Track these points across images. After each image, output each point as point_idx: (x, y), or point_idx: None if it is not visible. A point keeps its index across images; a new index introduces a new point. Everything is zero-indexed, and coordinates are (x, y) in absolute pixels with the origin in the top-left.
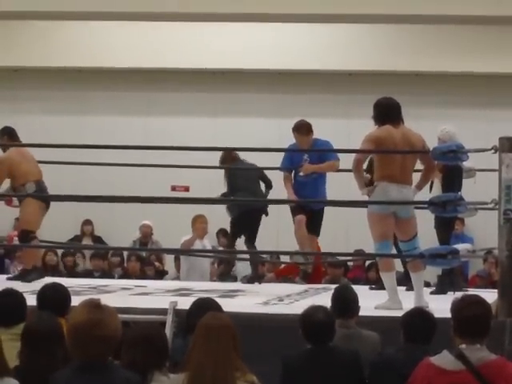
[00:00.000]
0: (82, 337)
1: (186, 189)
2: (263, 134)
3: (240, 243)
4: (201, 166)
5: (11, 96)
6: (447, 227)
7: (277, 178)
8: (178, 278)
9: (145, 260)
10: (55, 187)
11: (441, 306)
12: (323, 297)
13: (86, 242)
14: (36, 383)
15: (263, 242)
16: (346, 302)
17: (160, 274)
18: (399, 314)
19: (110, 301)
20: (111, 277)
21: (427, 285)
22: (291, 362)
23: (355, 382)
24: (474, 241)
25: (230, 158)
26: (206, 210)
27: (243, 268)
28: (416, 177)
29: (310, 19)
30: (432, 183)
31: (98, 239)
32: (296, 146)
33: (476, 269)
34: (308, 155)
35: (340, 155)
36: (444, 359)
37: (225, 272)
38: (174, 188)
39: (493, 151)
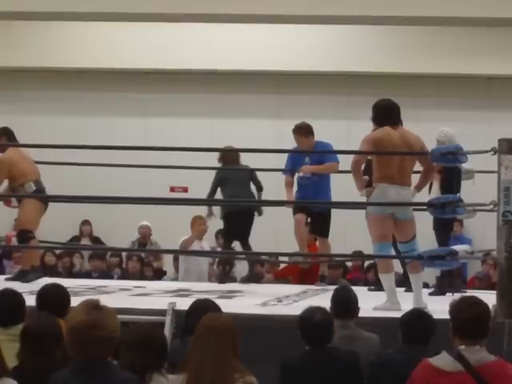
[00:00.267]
0: (81, 337)
1: (185, 190)
2: (262, 135)
3: (238, 244)
4: (200, 167)
5: (10, 96)
6: (446, 229)
7: (275, 179)
8: (176, 278)
9: (144, 261)
10: (54, 188)
11: (439, 307)
12: (322, 298)
13: (85, 242)
14: (37, 382)
15: (262, 243)
16: (345, 303)
17: (159, 275)
18: (398, 315)
19: (108, 301)
20: (110, 277)
21: (426, 286)
22: (289, 364)
23: (353, 382)
24: (472, 242)
25: (229, 157)
26: (205, 210)
27: (242, 269)
28: (415, 178)
29: (309, 20)
30: (431, 185)
31: (96, 240)
32: (297, 149)
33: (474, 270)
34: (309, 158)
35: (339, 156)
36: (443, 360)
37: (223, 273)
38: (172, 189)
39: (492, 153)
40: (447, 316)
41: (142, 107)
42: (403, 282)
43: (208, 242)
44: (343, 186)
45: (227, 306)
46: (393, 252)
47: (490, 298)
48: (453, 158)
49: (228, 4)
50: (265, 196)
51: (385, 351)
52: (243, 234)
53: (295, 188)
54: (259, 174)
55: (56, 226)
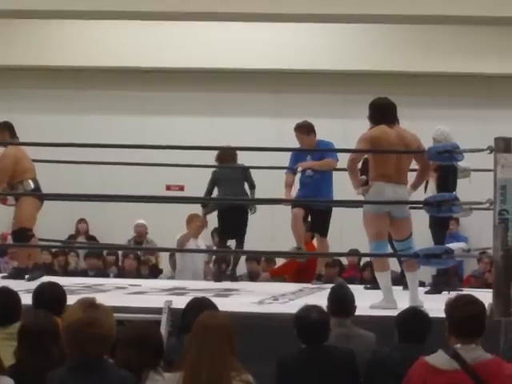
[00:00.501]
0: (77, 335)
1: (181, 188)
2: (260, 133)
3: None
4: (196, 165)
5: (7, 94)
6: (442, 227)
7: (273, 177)
8: (173, 276)
9: (140, 259)
10: (50, 186)
11: (436, 306)
12: (318, 296)
13: (81, 241)
14: (32, 382)
15: (258, 241)
16: (342, 302)
17: (155, 273)
18: (394, 313)
19: (104, 300)
20: (106, 276)
21: (422, 284)
22: (286, 362)
23: (350, 381)
24: (468, 240)
25: (226, 157)
26: (201, 209)
27: (239, 267)
28: (411, 176)
29: (307, 19)
30: (427, 183)
31: (92, 239)
32: (295, 147)
33: (471, 269)
34: (311, 156)
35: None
36: (439, 359)
37: (219, 272)
38: (168, 187)
39: (488, 151)
40: (443, 314)
41: (139, 105)
42: (400, 280)
43: (204, 241)
44: (340, 184)
45: (223, 305)
46: (389, 250)
47: (486, 296)
48: (449, 157)
49: (227, 2)
50: (262, 194)
51: (381, 349)
52: (238, 231)
53: (297, 186)
54: (258, 172)
55: (52, 224)
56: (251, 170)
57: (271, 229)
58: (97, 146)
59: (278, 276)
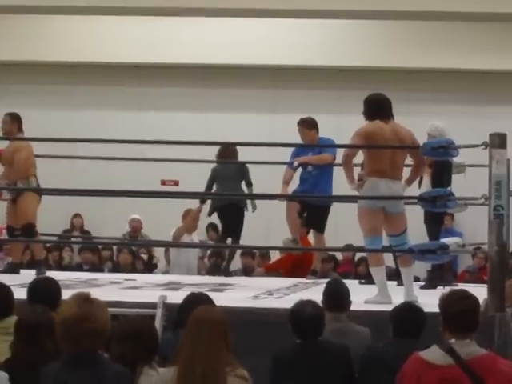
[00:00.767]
0: (72, 330)
1: (176, 183)
2: (255, 128)
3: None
4: (191, 160)
5: (2, 90)
6: (437, 222)
7: (267, 173)
8: (167, 271)
9: (135, 253)
10: (45, 181)
11: (430, 301)
12: (312, 291)
13: (76, 237)
14: (27, 376)
15: (253, 237)
16: (337, 296)
17: (150, 268)
18: (389, 308)
19: (99, 294)
20: (100, 270)
21: (417, 279)
22: (281, 356)
23: (345, 376)
24: (463, 236)
25: (226, 154)
26: (196, 204)
27: (233, 262)
28: (405, 172)
29: (301, 15)
30: (421, 179)
31: (86, 233)
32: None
33: (465, 264)
34: (312, 153)
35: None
36: (433, 354)
37: (216, 266)
38: (163, 182)
39: (483, 147)
40: (438, 309)
41: (135, 101)
42: (395, 275)
43: (198, 236)
44: (334, 180)
45: (218, 299)
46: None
47: (480, 291)
48: (444, 152)
49: None
50: (256, 189)
51: (375, 344)
52: (233, 229)
53: (297, 182)
54: (252, 167)
55: (47, 219)
56: (249, 168)
57: (266, 224)
58: (92, 141)
59: (272, 271)
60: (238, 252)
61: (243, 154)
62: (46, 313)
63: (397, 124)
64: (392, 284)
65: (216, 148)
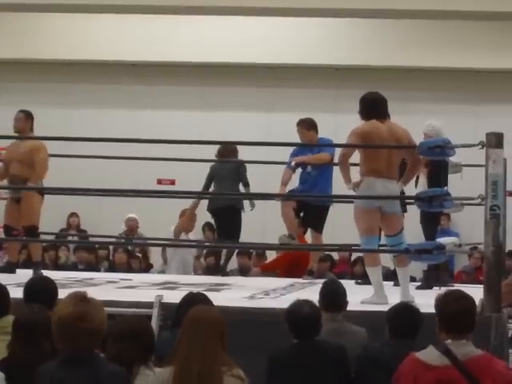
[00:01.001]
0: (68, 329)
1: (172, 182)
2: (252, 127)
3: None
4: (187, 159)
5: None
6: (433, 222)
7: (264, 172)
8: (163, 271)
9: (131, 253)
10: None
11: (426, 301)
12: (309, 291)
13: (72, 236)
14: (23, 376)
15: (249, 236)
16: (334, 296)
17: (146, 267)
18: (385, 308)
19: (95, 294)
20: (96, 269)
21: (413, 280)
22: (277, 356)
23: (341, 376)
24: (459, 236)
25: (227, 151)
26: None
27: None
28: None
29: (299, 13)
30: (417, 178)
31: (83, 232)
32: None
33: (461, 264)
34: (312, 153)
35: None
36: (430, 354)
37: (212, 266)
38: (160, 181)
39: (480, 147)
40: (434, 310)
41: (132, 99)
42: (391, 275)
43: (194, 235)
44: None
45: (214, 299)
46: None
47: (476, 292)
48: (441, 152)
49: None
50: (254, 189)
51: (372, 345)
52: (230, 234)
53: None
54: (249, 167)
55: (43, 218)
56: (247, 167)
57: (262, 224)
58: (88, 140)
59: (269, 271)
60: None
61: (240, 153)
62: (43, 312)
63: (393, 123)
64: (388, 284)
65: (213, 147)
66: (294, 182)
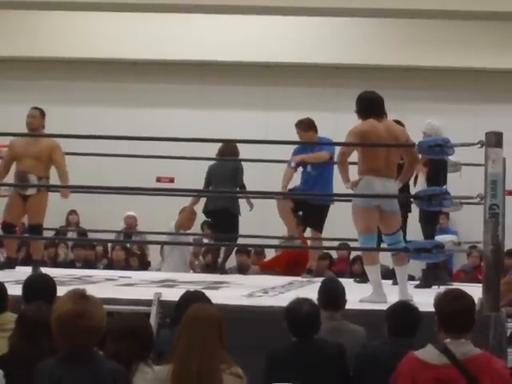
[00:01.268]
0: (68, 327)
1: (171, 180)
2: (250, 126)
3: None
4: (186, 157)
5: (0, 85)
6: (432, 221)
7: (262, 170)
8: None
9: (129, 250)
10: None
11: (425, 300)
12: (308, 289)
13: (71, 232)
14: (23, 373)
15: (248, 233)
16: (333, 295)
17: (144, 265)
18: (384, 307)
19: (94, 291)
20: (93, 266)
21: (412, 278)
22: (275, 355)
23: (339, 374)
24: (458, 234)
25: (227, 151)
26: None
27: (229, 260)
28: None
29: (298, 12)
30: (416, 177)
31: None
32: (301, 146)
33: (460, 263)
34: (312, 152)
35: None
36: (429, 353)
37: (211, 263)
38: (159, 179)
39: (479, 146)
40: (433, 309)
41: (131, 97)
42: (390, 274)
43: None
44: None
45: (213, 297)
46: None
47: (475, 290)
48: (440, 151)
49: None
50: (252, 188)
51: (370, 343)
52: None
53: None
54: (247, 165)
55: None
56: (245, 165)
57: (261, 222)
58: (88, 138)
59: (268, 269)
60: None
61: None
62: (49, 310)
63: (390, 122)
64: (387, 283)
65: (212, 145)
66: (295, 181)
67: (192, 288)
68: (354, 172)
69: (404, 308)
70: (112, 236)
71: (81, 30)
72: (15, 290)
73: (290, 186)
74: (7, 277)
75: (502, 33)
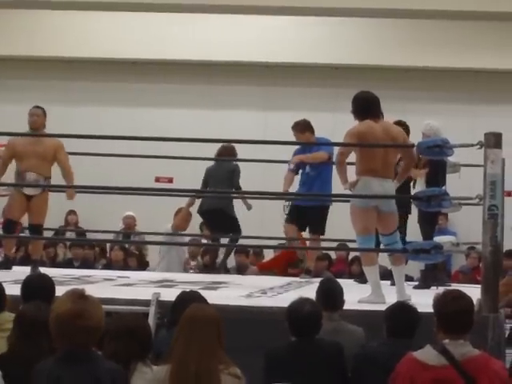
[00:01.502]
0: (66, 327)
1: (170, 180)
2: (249, 126)
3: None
4: (185, 157)
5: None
6: (431, 222)
7: (260, 170)
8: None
9: (127, 250)
10: None
11: (424, 301)
12: (306, 290)
13: (70, 232)
14: (21, 373)
15: (247, 234)
16: (331, 295)
17: (143, 265)
18: (382, 308)
19: (93, 291)
20: (91, 265)
21: (410, 279)
22: (274, 354)
23: (337, 374)
24: (457, 235)
25: (225, 153)
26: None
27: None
28: None
29: (297, 12)
30: (414, 181)
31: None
32: (301, 148)
33: (459, 264)
34: (310, 152)
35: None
36: (427, 354)
37: (209, 264)
38: (158, 179)
39: (478, 146)
40: (432, 309)
41: (130, 97)
42: (388, 275)
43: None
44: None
45: (211, 298)
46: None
47: (474, 291)
48: (439, 151)
49: None
50: (250, 187)
51: (369, 344)
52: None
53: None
54: (245, 165)
55: None
56: (243, 165)
57: (260, 222)
58: (87, 138)
59: (266, 270)
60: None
61: (237, 152)
62: (49, 310)
63: (387, 122)
64: (386, 283)
65: (211, 145)
66: (295, 184)
67: (190, 288)
68: (351, 173)
69: (402, 309)
70: (111, 236)
71: (81, 29)
72: (14, 290)
73: (290, 190)
74: (6, 277)
75: (502, 33)
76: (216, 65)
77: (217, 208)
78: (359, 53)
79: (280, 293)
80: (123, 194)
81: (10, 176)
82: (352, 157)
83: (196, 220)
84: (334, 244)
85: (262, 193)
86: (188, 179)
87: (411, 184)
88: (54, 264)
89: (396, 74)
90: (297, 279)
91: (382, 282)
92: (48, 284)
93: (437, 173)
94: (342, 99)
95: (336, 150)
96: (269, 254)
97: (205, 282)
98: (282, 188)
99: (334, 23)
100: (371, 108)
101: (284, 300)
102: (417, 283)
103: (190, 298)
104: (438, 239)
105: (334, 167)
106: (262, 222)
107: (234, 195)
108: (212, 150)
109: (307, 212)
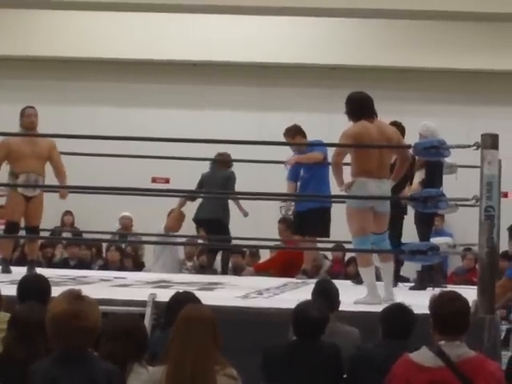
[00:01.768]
0: (62, 327)
1: (167, 181)
2: (244, 126)
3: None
4: (181, 158)
5: None
6: (427, 223)
7: (256, 171)
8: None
9: (124, 251)
10: None
11: (420, 302)
12: (302, 291)
13: (66, 232)
14: (16, 374)
15: (242, 235)
16: (327, 296)
17: (139, 265)
18: (378, 309)
19: (89, 292)
20: (88, 265)
21: (406, 280)
22: (272, 352)
23: (334, 374)
24: (453, 237)
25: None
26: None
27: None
28: None
29: (293, 13)
30: (412, 180)
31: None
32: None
33: (455, 265)
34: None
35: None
36: (423, 356)
37: (206, 264)
38: (154, 180)
39: (475, 147)
40: (428, 311)
41: (126, 97)
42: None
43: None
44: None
45: (208, 298)
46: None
47: (470, 293)
48: (436, 152)
49: None
50: (246, 188)
51: (365, 345)
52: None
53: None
54: (241, 166)
55: None
56: (239, 166)
57: (255, 223)
58: (83, 138)
59: (262, 271)
60: None
61: (233, 153)
62: (43, 311)
63: (381, 122)
64: (381, 284)
65: (206, 145)
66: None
67: (187, 289)
68: (346, 174)
69: (399, 310)
70: (107, 237)
71: (77, 29)
72: (10, 290)
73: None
74: (2, 277)
75: (498, 34)
76: (212, 65)
77: (214, 218)
78: (356, 53)
79: (276, 294)
80: (119, 194)
81: (3, 177)
82: (347, 158)
83: (190, 221)
84: (330, 245)
85: (258, 193)
86: (184, 180)
87: (407, 184)
88: (51, 264)
89: (393, 74)
90: (293, 280)
91: (378, 283)
92: (44, 285)
93: (433, 174)
94: (338, 100)
95: (331, 150)
96: (265, 255)
97: (201, 282)
98: (277, 189)
99: (331, 24)
100: (365, 108)
101: (280, 301)
102: (413, 284)
103: (184, 299)
104: (434, 241)
105: (330, 168)
106: (258, 223)
107: (229, 200)
108: (208, 150)
109: (306, 216)
